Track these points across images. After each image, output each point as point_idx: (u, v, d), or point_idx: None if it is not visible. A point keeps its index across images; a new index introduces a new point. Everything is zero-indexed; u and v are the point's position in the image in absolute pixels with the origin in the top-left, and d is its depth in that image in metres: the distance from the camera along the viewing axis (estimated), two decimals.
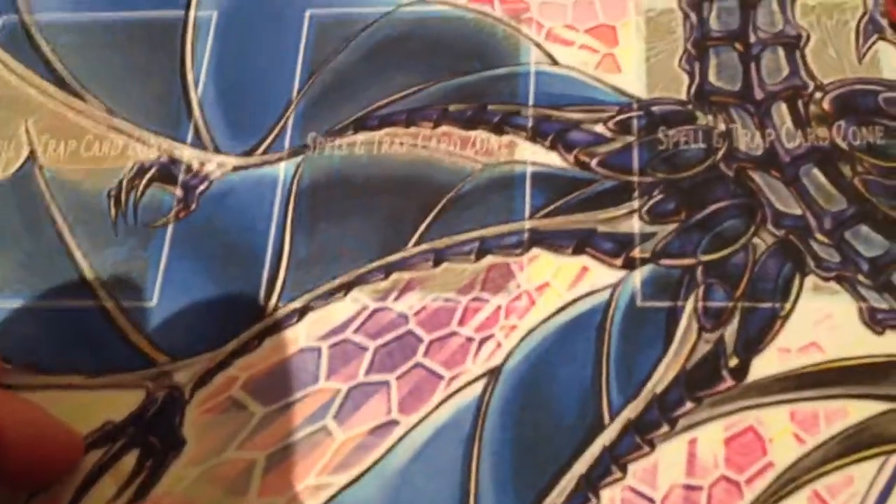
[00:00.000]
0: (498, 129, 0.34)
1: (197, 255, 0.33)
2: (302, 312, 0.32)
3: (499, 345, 0.31)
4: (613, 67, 0.35)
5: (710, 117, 0.34)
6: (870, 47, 0.34)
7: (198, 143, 0.35)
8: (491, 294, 0.32)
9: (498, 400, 0.30)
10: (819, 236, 0.31)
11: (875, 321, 0.30)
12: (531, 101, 0.35)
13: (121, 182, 0.35)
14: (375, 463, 0.30)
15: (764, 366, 0.30)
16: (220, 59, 0.37)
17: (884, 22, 0.35)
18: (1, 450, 0.27)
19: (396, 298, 0.32)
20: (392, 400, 0.30)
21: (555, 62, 0.35)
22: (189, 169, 0.35)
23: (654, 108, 0.34)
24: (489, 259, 0.32)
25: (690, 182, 0.33)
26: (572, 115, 0.34)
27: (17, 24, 0.38)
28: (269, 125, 0.35)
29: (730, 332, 0.30)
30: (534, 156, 0.34)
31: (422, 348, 0.31)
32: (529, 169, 0.33)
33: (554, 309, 0.31)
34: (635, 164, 0.33)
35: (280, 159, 0.35)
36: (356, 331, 0.31)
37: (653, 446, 0.29)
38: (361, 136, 0.35)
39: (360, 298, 0.32)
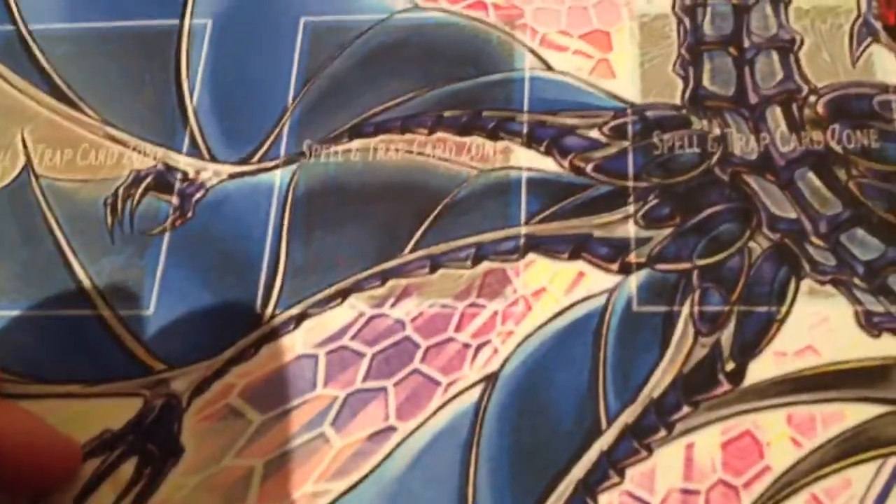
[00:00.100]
0: (493, 135, 0.34)
1: (193, 263, 0.33)
2: (299, 320, 0.32)
3: (496, 350, 0.31)
4: (608, 73, 0.35)
5: (705, 122, 0.34)
6: (864, 51, 0.34)
7: (194, 152, 0.35)
8: (487, 300, 0.32)
9: (495, 405, 0.30)
10: (814, 240, 0.31)
11: (871, 324, 0.30)
12: (526, 107, 0.35)
13: (117, 191, 0.35)
14: (373, 469, 0.30)
15: (760, 370, 0.30)
16: (215, 67, 0.37)
17: (878, 25, 0.35)
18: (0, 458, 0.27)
19: (393, 305, 0.32)
20: (389, 406, 0.30)
21: (549, 68, 0.35)
22: (185, 177, 0.35)
23: (649, 113, 0.34)
24: (485, 265, 0.32)
25: (685, 187, 0.33)
26: (567, 120, 0.34)
27: (13, 34, 0.38)
28: (265, 133, 0.35)
29: (726, 336, 0.30)
30: (529, 161, 0.34)
31: (419, 354, 0.31)
32: (525, 174, 0.33)
33: (550, 314, 0.31)
34: (630, 169, 0.33)
35: (276, 167, 0.35)
36: (353, 337, 0.32)
37: (650, 451, 0.29)
38: (357, 143, 0.35)
39: (356, 305, 0.32)
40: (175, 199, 0.34)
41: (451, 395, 0.30)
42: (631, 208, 0.32)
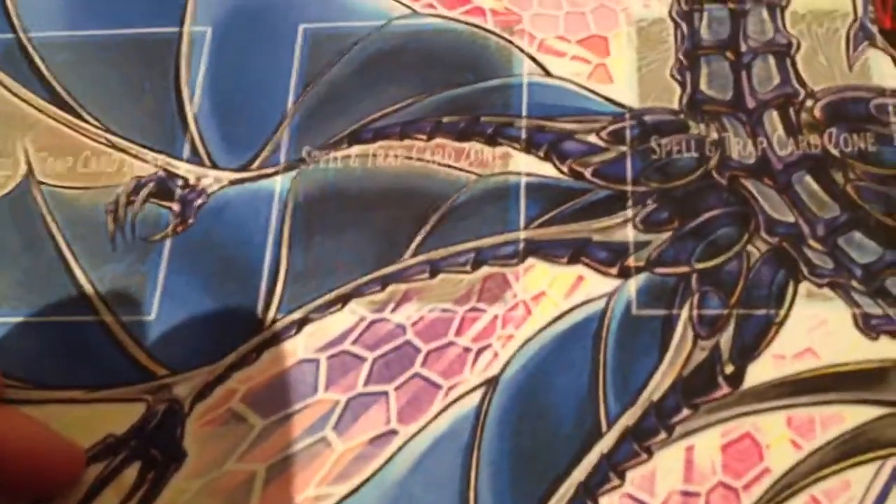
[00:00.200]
0: (492, 141, 0.34)
1: (195, 268, 0.33)
2: (300, 325, 0.32)
3: (496, 354, 0.31)
4: (605, 78, 0.35)
5: (703, 126, 0.34)
6: (860, 55, 0.34)
7: (194, 159, 0.35)
8: (487, 304, 0.32)
9: (496, 409, 0.30)
10: (812, 243, 0.31)
11: (869, 327, 0.30)
12: (524, 112, 0.35)
13: (118, 197, 0.35)
14: (375, 473, 0.30)
15: (759, 372, 0.30)
16: (214, 75, 0.37)
17: (874, 29, 0.35)
18: (2, 464, 0.27)
19: (394, 310, 0.32)
20: (391, 410, 0.30)
21: (547, 73, 0.35)
22: (186, 184, 0.35)
23: (647, 118, 0.34)
24: (485, 269, 0.32)
25: (684, 191, 0.33)
26: (566, 125, 0.34)
27: (13, 43, 0.38)
28: (265, 139, 0.35)
29: (725, 339, 0.30)
30: (528, 166, 0.34)
31: (419, 358, 0.31)
32: (524, 179, 0.34)
33: (550, 318, 0.31)
34: (629, 174, 0.33)
35: (276, 173, 0.35)
36: (354, 342, 0.32)
37: (650, 453, 0.29)
38: (356, 149, 0.35)
39: (357, 310, 0.32)
40: (176, 206, 0.35)
41: (452, 398, 0.30)
42: (630, 212, 0.33)
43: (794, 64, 0.35)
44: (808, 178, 0.32)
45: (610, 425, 0.30)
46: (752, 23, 0.35)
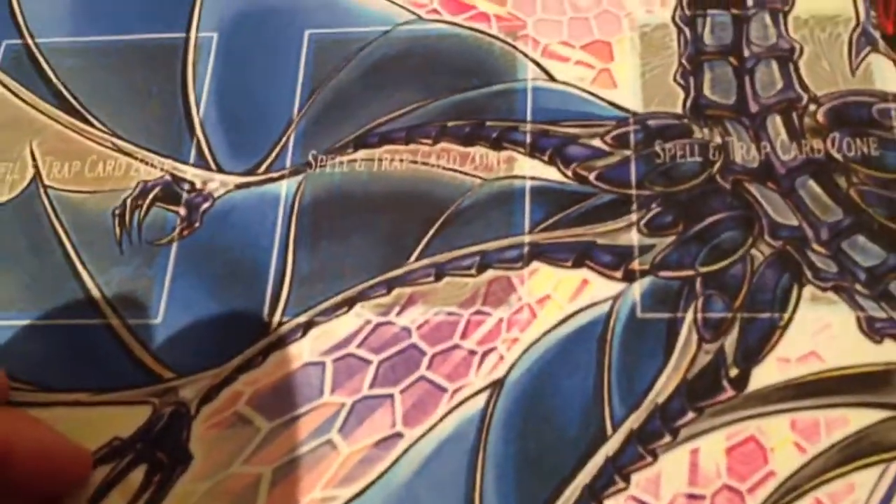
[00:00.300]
0: (496, 145, 0.34)
1: (201, 272, 0.34)
2: (306, 328, 0.32)
3: (501, 357, 0.31)
4: (609, 83, 0.35)
5: (706, 131, 0.34)
6: (863, 59, 0.34)
7: (200, 163, 0.36)
8: (492, 307, 0.32)
9: (501, 412, 0.30)
10: (816, 247, 0.32)
11: (873, 330, 0.30)
12: (529, 117, 0.35)
13: (125, 201, 0.35)
14: (380, 476, 0.30)
15: (764, 375, 0.30)
16: (221, 80, 0.37)
17: (876, 34, 0.35)
18: (10, 466, 0.27)
19: (399, 313, 0.32)
20: (396, 413, 0.30)
21: (551, 78, 0.36)
22: (192, 188, 0.35)
23: (651, 123, 0.34)
24: (490, 273, 0.32)
25: (688, 195, 0.33)
26: (570, 129, 0.34)
27: (21, 48, 0.39)
28: (271, 144, 0.36)
29: (729, 342, 0.30)
30: (532, 170, 0.34)
31: (425, 362, 0.31)
32: (528, 183, 0.34)
33: (555, 321, 0.31)
34: (633, 178, 0.33)
35: (282, 177, 0.35)
36: (360, 345, 0.32)
37: (655, 456, 0.29)
38: (361, 154, 0.35)
39: (363, 313, 0.32)
40: (182, 210, 0.35)
41: (457, 401, 0.30)
42: (634, 216, 0.33)
43: (796, 69, 0.35)
44: (812, 183, 0.33)
45: (615, 428, 0.30)
46: (754, 28, 0.36)
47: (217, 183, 0.35)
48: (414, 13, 0.37)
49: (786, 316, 0.31)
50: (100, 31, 0.39)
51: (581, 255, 0.32)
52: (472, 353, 0.31)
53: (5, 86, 0.38)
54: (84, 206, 0.35)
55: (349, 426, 0.30)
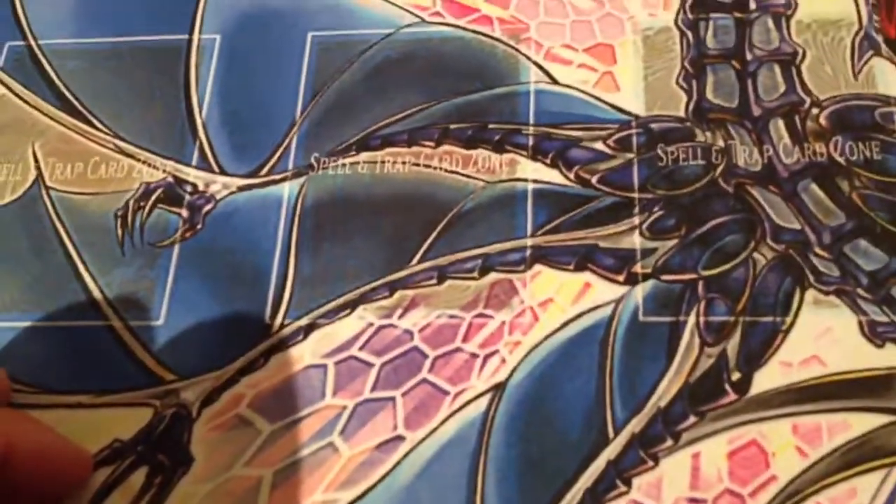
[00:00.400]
0: (499, 148, 0.35)
1: (203, 274, 0.34)
2: (308, 330, 0.32)
3: (503, 360, 0.31)
4: (612, 86, 0.35)
5: (709, 134, 0.34)
6: (865, 63, 0.34)
7: (203, 165, 0.36)
8: (495, 310, 0.32)
9: (503, 415, 0.30)
10: (818, 251, 0.32)
11: (875, 334, 0.30)
12: (531, 120, 0.35)
13: (127, 203, 0.35)
14: (382, 479, 0.30)
15: (766, 380, 0.30)
16: (224, 82, 0.37)
17: (879, 38, 0.35)
18: (11, 467, 0.27)
19: (401, 315, 0.32)
20: (398, 416, 0.30)
21: (554, 81, 0.36)
22: (195, 189, 0.35)
23: (653, 126, 0.34)
24: (492, 276, 0.32)
25: (690, 198, 0.33)
26: (572, 132, 0.34)
27: (24, 50, 0.39)
28: (273, 146, 0.36)
29: (732, 346, 0.30)
30: (535, 173, 0.34)
31: (427, 364, 0.31)
32: (531, 186, 0.34)
33: (557, 325, 0.31)
34: (635, 181, 0.33)
35: (284, 179, 0.35)
36: (361, 348, 0.32)
37: (657, 460, 0.29)
38: (364, 156, 0.35)
39: (365, 316, 0.32)
40: (185, 212, 0.35)
41: (459, 404, 0.30)
42: (636, 219, 0.33)
43: (799, 73, 0.35)
44: (814, 186, 0.33)
45: (617, 432, 0.30)
46: (757, 32, 0.36)
47: (219, 185, 0.35)
48: (417, 16, 0.37)
49: (788, 320, 0.31)
50: (102, 32, 0.39)
51: (583, 259, 0.32)
52: (474, 356, 0.31)
53: (8, 87, 0.38)
54: (86, 207, 0.35)
55: (351, 429, 0.30)
